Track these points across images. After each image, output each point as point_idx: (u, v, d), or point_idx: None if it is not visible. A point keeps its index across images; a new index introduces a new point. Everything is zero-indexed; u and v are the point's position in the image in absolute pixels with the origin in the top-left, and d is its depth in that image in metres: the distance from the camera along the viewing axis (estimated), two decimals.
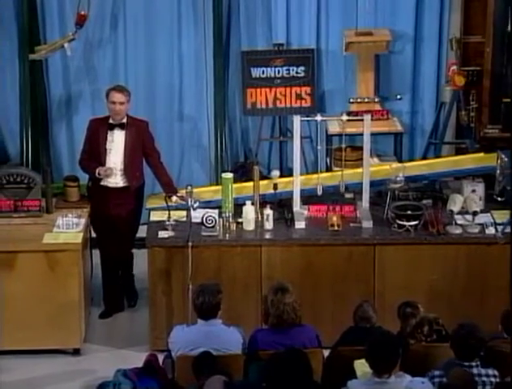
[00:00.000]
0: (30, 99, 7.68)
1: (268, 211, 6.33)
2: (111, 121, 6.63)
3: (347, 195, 6.58)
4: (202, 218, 6.25)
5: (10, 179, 6.52)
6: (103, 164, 6.57)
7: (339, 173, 6.50)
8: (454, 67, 7.50)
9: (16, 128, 7.81)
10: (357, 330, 5.34)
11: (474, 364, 4.88)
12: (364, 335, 5.14)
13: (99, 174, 6.55)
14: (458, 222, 6.34)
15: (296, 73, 7.69)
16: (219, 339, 5.22)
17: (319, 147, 6.45)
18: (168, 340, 5.36)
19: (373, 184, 6.51)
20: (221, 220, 6.32)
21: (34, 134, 7.75)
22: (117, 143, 6.59)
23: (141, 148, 6.64)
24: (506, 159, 6.53)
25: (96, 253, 7.05)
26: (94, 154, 6.61)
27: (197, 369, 5.02)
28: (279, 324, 5.22)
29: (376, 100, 7.57)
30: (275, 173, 6.63)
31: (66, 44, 7.26)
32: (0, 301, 6.09)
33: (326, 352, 5.32)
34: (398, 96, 7.53)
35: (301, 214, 6.44)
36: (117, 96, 6.58)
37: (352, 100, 7.57)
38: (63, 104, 7.87)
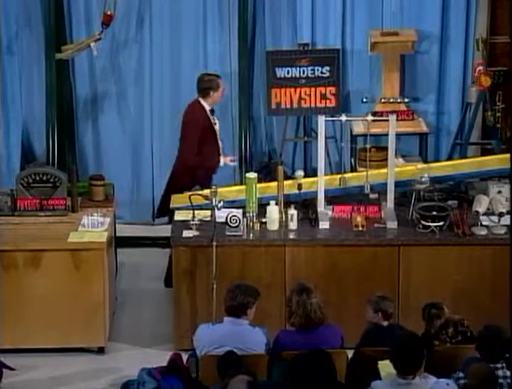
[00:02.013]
0: (56, 98, 7.72)
1: (292, 211, 6.33)
2: (209, 106, 6.91)
3: (372, 196, 6.56)
4: (227, 218, 6.25)
5: (36, 178, 6.55)
6: (217, 148, 6.90)
7: (364, 173, 6.48)
8: (481, 68, 7.46)
9: (42, 127, 7.86)
10: (377, 329, 5.33)
11: (499, 366, 4.86)
12: (385, 332, 5.13)
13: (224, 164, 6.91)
14: (484, 223, 6.30)
15: (321, 73, 7.67)
16: (244, 339, 5.23)
17: (343, 145, 6.43)
18: (193, 338, 5.38)
19: (398, 184, 6.49)
20: (245, 219, 6.32)
21: (60, 134, 7.79)
22: (217, 126, 6.96)
23: None
24: None
25: (120, 252, 7.09)
26: (207, 141, 6.81)
27: (221, 368, 5.03)
28: (307, 324, 5.21)
29: (404, 100, 7.54)
30: (300, 173, 6.62)
31: (92, 44, 7.30)
32: (1, 299, 6.13)
33: (350, 353, 5.31)
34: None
35: (326, 214, 6.43)
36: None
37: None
38: (89, 104, 7.91)
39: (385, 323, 5.36)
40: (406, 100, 7.54)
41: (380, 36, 7.53)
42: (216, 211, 6.19)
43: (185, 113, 6.96)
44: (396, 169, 6.51)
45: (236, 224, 6.25)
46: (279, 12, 7.78)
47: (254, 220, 6.33)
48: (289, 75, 7.69)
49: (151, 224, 7.97)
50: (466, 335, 5.25)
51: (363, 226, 6.31)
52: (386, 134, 6.46)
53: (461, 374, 4.88)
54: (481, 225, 6.28)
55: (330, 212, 6.46)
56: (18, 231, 6.36)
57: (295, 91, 7.70)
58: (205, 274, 6.19)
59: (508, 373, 4.86)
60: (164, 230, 7.27)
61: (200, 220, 6.33)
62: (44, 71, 7.72)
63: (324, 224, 6.35)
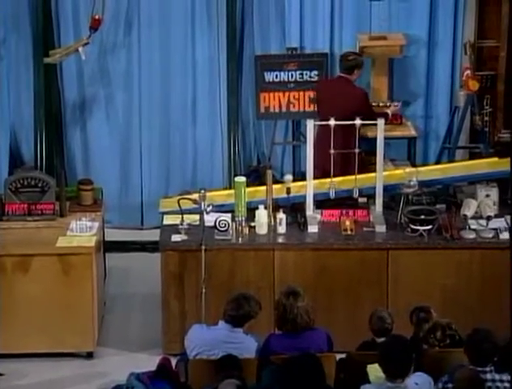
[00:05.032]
0: (44, 102, 7.71)
1: (281, 215, 6.33)
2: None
3: (361, 200, 6.57)
4: (216, 222, 6.25)
5: (25, 183, 6.53)
6: None
7: (353, 177, 6.49)
8: (468, 72, 7.48)
9: (30, 132, 7.84)
10: (369, 344, 5.33)
11: (488, 369, 4.87)
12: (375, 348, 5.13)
13: None
14: (472, 227, 6.32)
15: (310, 77, 7.69)
16: (237, 345, 5.22)
17: (332, 151, 6.44)
18: (185, 338, 5.37)
19: (386, 188, 6.50)
20: (234, 223, 6.32)
21: (48, 138, 7.78)
22: None
23: None
24: None
25: (109, 256, 7.08)
26: None
27: (219, 370, 5.00)
28: (294, 328, 5.21)
29: (389, 104, 7.55)
30: (288, 177, 6.62)
31: (80, 49, 7.29)
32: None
33: (339, 357, 5.30)
34: None
35: (314, 218, 6.43)
36: None
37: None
38: (77, 108, 7.90)
39: (379, 340, 5.33)
40: (395, 103, 7.55)
41: (368, 41, 7.55)
42: (205, 216, 6.19)
43: (342, 90, 7.01)
44: (385, 173, 6.52)
45: (225, 228, 6.25)
46: (267, 16, 7.78)
47: (243, 224, 6.33)
48: (278, 79, 7.70)
49: (140, 228, 7.96)
50: (454, 338, 5.25)
51: (352, 230, 6.32)
52: (375, 138, 6.47)
53: (448, 379, 4.89)
54: (469, 229, 6.30)
55: (318, 216, 6.47)
56: (6, 236, 6.34)
57: (283, 96, 7.71)
58: (194, 278, 6.18)
59: (497, 376, 4.87)
60: (152, 234, 7.26)
61: (189, 225, 6.32)
62: (33, 76, 7.70)
63: (313, 228, 6.35)
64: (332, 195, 6.38)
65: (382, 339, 5.27)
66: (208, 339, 5.25)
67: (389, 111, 7.34)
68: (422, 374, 4.85)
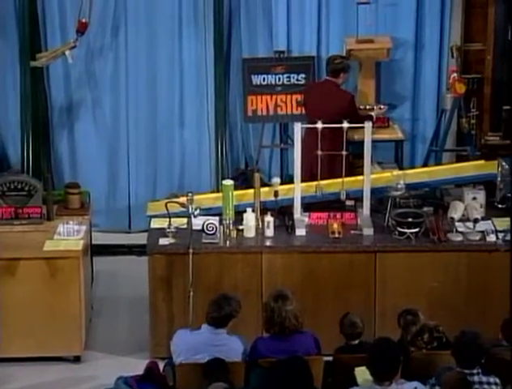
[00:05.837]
0: (31, 106, 7.69)
1: (269, 219, 6.34)
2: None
3: (348, 203, 6.58)
4: (203, 225, 6.25)
5: (11, 186, 6.51)
6: None
7: (340, 180, 6.50)
8: (455, 75, 7.50)
9: (17, 135, 7.82)
10: (346, 347, 5.35)
11: (475, 371, 4.88)
12: (355, 351, 5.15)
13: None
14: (459, 229, 6.34)
15: (297, 80, 7.70)
16: (221, 347, 5.23)
17: (319, 153, 6.45)
18: (171, 343, 5.36)
19: (374, 191, 6.51)
20: (222, 227, 6.32)
21: (35, 141, 7.76)
22: None
23: None
24: (507, 166, 6.53)
25: (96, 260, 7.06)
26: None
27: (207, 373, 5.00)
28: (282, 332, 5.22)
29: (376, 107, 7.58)
30: (276, 180, 6.63)
31: (67, 52, 7.27)
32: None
33: (327, 359, 5.31)
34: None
35: (302, 221, 6.44)
36: None
37: None
38: (64, 111, 7.88)
39: (354, 342, 5.35)
40: (381, 106, 7.57)
41: (355, 44, 7.56)
42: (193, 219, 6.18)
43: (329, 93, 7.02)
44: (372, 176, 6.53)
45: (213, 232, 6.24)
46: (254, 19, 7.79)
47: (231, 227, 6.33)
48: (265, 82, 7.70)
49: (128, 231, 7.95)
50: (441, 340, 5.27)
51: (339, 233, 6.33)
52: (362, 141, 6.49)
53: (435, 381, 4.90)
54: (456, 231, 6.32)
55: (306, 219, 6.47)
56: None
57: (271, 99, 7.72)
58: (181, 281, 6.18)
59: (484, 379, 4.88)
60: (140, 238, 7.26)
61: (176, 228, 6.32)
62: (19, 79, 7.68)
63: (300, 231, 6.36)
64: (319, 195, 6.37)
65: (356, 342, 5.30)
66: (192, 343, 5.24)
67: (373, 114, 7.36)
68: (419, 384, 4.85)
